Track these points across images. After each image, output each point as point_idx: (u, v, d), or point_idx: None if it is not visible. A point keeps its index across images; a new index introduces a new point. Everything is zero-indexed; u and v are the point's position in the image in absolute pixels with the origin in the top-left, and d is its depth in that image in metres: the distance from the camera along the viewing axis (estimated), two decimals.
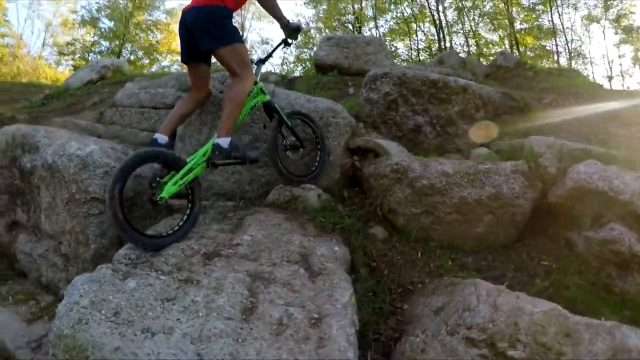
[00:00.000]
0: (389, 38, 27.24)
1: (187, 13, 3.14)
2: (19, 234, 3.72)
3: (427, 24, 27.12)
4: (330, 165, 3.72)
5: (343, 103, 4.97)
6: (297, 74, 19.41)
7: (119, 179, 2.51)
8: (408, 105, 4.50)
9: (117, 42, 26.96)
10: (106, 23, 27.46)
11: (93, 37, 27.87)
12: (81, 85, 9.29)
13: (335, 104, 4.10)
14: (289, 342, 1.97)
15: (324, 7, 27.92)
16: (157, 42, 28.36)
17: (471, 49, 25.87)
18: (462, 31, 26.48)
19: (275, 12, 3.31)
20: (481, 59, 13.18)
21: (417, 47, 27.04)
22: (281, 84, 8.29)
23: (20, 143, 3.67)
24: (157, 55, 28.60)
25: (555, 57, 24.80)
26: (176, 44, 25.85)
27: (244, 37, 29.62)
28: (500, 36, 25.66)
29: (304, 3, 28.77)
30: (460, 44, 26.48)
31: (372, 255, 2.98)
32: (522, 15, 24.88)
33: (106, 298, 2.08)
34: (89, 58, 25.30)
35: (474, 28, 26.25)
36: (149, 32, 28.35)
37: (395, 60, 21.98)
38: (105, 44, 27.66)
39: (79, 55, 26.69)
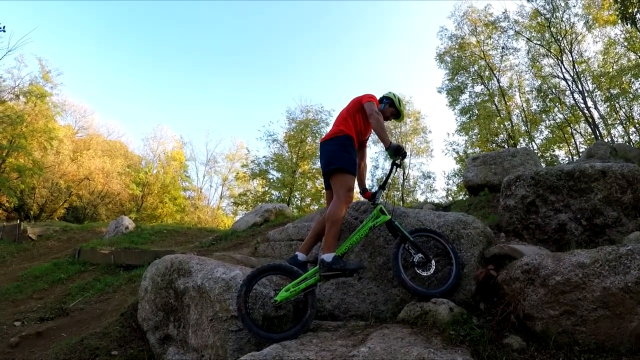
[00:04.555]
0: (546, 149, 26.30)
1: (320, 146, 3.93)
2: (169, 347, 4.07)
3: (582, 124, 25.60)
4: (465, 277, 3.57)
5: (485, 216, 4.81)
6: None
7: (245, 284, 3.32)
8: (547, 204, 4.23)
9: (285, 191, 29.20)
10: (274, 174, 30.07)
11: (264, 188, 30.79)
12: (246, 227, 10.50)
13: (466, 215, 4.03)
14: None
15: (476, 131, 28.28)
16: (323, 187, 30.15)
17: (632, 137, 23.61)
18: (618, 121, 24.52)
19: (380, 134, 3.68)
20: None
21: (578, 150, 25.19)
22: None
23: (176, 268, 4.18)
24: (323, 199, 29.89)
25: None
26: None
27: (406, 173, 31.09)
28: None
29: (456, 131, 29.57)
30: (619, 135, 24.42)
31: None
32: None
33: None
34: None
35: (628, 114, 24.21)
36: (315, 179, 29.94)
37: None
38: (275, 193, 30.02)
39: (251, 205, 29.13)
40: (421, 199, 30.79)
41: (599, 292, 2.73)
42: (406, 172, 31.47)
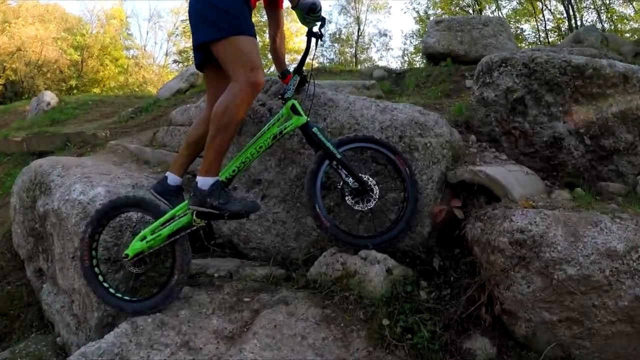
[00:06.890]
0: (512, 20, 24.33)
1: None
2: (44, 282, 3.22)
3: (553, 2, 23.50)
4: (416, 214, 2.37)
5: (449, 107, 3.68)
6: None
7: (90, 223, 2.30)
8: (541, 106, 2.95)
9: None
10: None
11: None
12: (170, 95, 8.93)
13: (425, 113, 2.69)
14: None
15: None
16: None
17: (604, 25, 21.72)
18: (593, 6, 22.41)
19: None
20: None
21: (545, 27, 23.57)
22: (388, 80, 7.28)
23: (38, 182, 3.15)
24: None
25: None
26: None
27: (361, 30, 28.53)
28: (636, 9, 21.23)
29: None
30: (591, 20, 22.43)
31: None
32: None
33: None
34: None
35: (606, 2, 22.10)
36: (263, 33, 27.34)
37: (522, 45, 19.30)
38: None
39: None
40: (376, 57, 29.61)
41: (627, 302, 1.71)
42: (361, 29, 29.20)
